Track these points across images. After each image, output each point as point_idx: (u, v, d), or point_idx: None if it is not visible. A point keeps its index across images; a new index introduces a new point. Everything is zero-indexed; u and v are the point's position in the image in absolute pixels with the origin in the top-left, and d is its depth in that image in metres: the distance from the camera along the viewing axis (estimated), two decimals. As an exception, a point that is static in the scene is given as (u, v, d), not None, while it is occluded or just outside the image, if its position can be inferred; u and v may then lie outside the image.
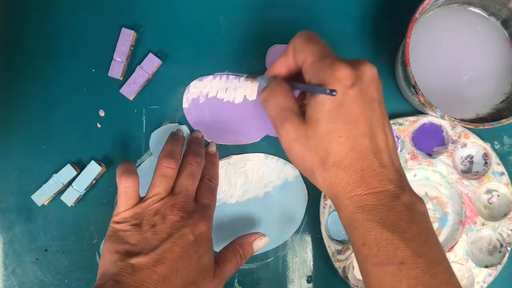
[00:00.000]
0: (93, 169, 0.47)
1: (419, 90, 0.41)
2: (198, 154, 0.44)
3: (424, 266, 0.31)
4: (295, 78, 0.38)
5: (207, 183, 0.44)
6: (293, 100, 0.36)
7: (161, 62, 0.48)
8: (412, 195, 0.34)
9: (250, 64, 0.48)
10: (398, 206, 0.32)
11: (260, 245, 0.43)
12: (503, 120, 0.41)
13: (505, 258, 0.47)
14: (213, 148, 0.47)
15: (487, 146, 0.47)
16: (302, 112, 0.35)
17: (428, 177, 0.48)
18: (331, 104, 0.32)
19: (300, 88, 0.36)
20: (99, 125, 0.48)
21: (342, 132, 0.32)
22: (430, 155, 0.48)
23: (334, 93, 0.31)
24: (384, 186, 0.32)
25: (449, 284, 0.32)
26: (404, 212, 0.32)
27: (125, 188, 0.40)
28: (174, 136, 0.45)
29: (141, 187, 0.48)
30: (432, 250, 0.33)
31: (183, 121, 0.48)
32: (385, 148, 0.34)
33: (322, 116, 0.33)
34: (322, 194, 0.47)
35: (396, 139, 0.47)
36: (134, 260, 0.37)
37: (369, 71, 0.33)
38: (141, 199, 0.41)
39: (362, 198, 0.33)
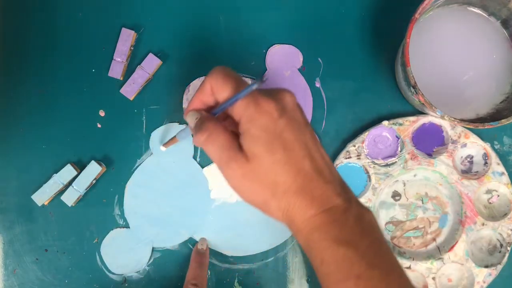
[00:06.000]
0: (93, 169, 0.47)
1: (419, 90, 0.41)
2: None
3: (379, 276, 0.33)
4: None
5: None
6: (232, 137, 0.36)
7: (161, 62, 0.48)
8: (359, 206, 0.35)
9: (250, 64, 0.48)
10: (349, 220, 0.33)
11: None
12: (503, 120, 0.41)
13: (505, 258, 0.47)
14: (203, 246, 0.47)
15: (487, 146, 0.47)
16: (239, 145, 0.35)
17: (428, 177, 0.48)
18: (267, 137, 0.34)
19: (223, 108, 0.36)
20: (99, 125, 0.48)
21: (285, 160, 0.34)
22: (430, 155, 0.48)
23: (265, 79, 0.33)
24: (333, 202, 0.34)
25: None
26: (355, 225, 0.33)
27: None
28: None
29: (141, 187, 0.48)
30: (384, 258, 0.34)
31: (183, 121, 0.48)
32: (325, 165, 0.35)
33: (262, 149, 0.34)
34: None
35: (396, 139, 0.47)
36: None
37: (290, 100, 0.35)
38: None
39: (315, 218, 0.34)
